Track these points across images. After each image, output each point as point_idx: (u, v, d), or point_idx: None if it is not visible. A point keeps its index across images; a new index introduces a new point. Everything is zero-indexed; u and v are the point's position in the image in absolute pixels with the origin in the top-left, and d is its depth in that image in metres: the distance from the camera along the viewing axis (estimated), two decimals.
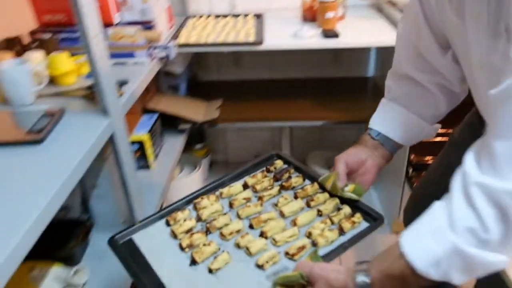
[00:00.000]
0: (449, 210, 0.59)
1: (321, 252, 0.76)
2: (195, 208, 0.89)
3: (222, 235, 0.81)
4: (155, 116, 1.61)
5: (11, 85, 1.01)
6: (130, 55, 1.27)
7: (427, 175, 1.15)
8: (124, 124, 1.05)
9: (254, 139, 2.32)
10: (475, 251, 0.56)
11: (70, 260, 1.07)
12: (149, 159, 1.50)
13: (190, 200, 0.92)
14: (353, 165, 0.90)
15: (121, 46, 1.28)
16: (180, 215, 0.86)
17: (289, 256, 0.76)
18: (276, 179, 0.95)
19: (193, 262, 0.76)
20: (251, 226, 0.83)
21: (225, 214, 0.86)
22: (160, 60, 1.36)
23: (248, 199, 0.89)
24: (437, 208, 0.61)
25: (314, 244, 0.78)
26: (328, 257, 0.75)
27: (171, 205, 0.90)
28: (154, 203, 1.36)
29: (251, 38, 1.44)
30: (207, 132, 2.27)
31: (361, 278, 0.64)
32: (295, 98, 1.82)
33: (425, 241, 0.59)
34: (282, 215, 0.85)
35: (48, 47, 1.20)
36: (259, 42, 1.41)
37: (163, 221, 0.87)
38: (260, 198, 0.89)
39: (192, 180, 1.96)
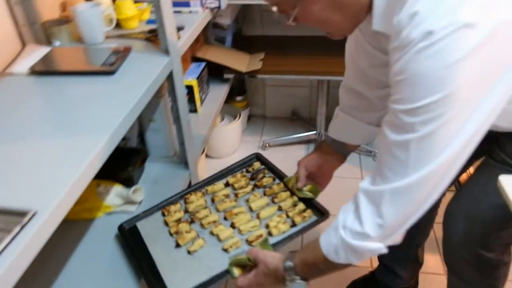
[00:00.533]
0: (344, 211, 0.78)
1: (274, 240, 0.95)
2: (185, 202, 1.09)
3: (201, 225, 1.02)
4: (203, 64, 1.74)
5: (86, 25, 1.15)
6: (186, 4, 1.39)
7: None
8: (180, 63, 1.18)
9: (291, 96, 2.42)
10: (357, 243, 0.73)
11: (129, 182, 1.23)
12: (196, 103, 1.64)
13: (182, 195, 1.12)
14: (312, 169, 1.08)
15: None
16: (172, 207, 1.07)
17: (249, 242, 0.96)
18: (252, 178, 1.13)
19: (177, 245, 0.98)
20: (225, 218, 1.03)
21: (206, 207, 1.06)
22: (211, 10, 1.47)
23: (227, 196, 1.09)
24: (341, 210, 0.79)
25: (270, 234, 0.97)
26: (278, 245, 0.94)
27: (167, 199, 1.11)
28: (198, 145, 1.50)
29: None
30: (247, 85, 2.39)
31: (288, 263, 0.83)
32: (337, 55, 1.89)
33: (330, 235, 0.78)
34: (250, 209, 1.04)
35: None
36: None
37: (159, 212, 1.08)
38: (236, 195, 1.08)
39: (232, 129, 2.10)
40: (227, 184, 1.14)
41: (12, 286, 0.55)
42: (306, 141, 2.27)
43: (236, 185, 1.12)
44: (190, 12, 1.40)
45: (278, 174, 1.14)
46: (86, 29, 1.16)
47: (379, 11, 0.67)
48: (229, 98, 2.25)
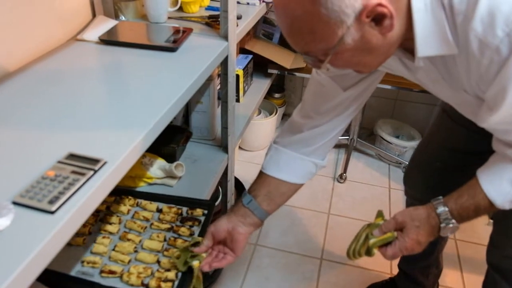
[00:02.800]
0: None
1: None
2: (116, 201, 1.09)
3: (101, 227, 1.01)
4: (250, 57, 1.79)
5: (152, 3, 1.22)
6: None
7: (424, 139, 1.25)
8: (235, 49, 1.23)
9: None
10: None
11: (172, 157, 1.29)
12: (240, 92, 1.70)
13: (121, 193, 1.11)
14: (220, 235, 0.98)
15: None
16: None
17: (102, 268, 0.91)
18: (181, 220, 1.05)
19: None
20: (120, 237, 1.00)
21: (118, 216, 1.04)
22: (267, 4, 1.52)
23: (146, 219, 1.04)
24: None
25: (121, 277, 0.91)
26: None
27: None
28: (237, 132, 1.55)
29: None
30: (286, 84, 2.43)
31: (441, 209, 0.81)
32: None
33: (504, 186, 0.77)
34: (141, 244, 0.98)
35: None
36: None
37: None
38: (152, 224, 1.03)
39: (267, 123, 2.15)
40: (158, 209, 1.08)
41: (82, 222, 0.61)
42: (338, 146, 2.29)
43: (162, 216, 1.06)
44: (248, 3, 1.46)
45: (201, 233, 1.01)
46: (152, 7, 1.22)
47: (423, 36, 0.67)
48: (268, 94, 2.30)
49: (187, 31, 1.16)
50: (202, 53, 1.09)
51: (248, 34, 1.82)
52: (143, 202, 1.10)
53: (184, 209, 1.09)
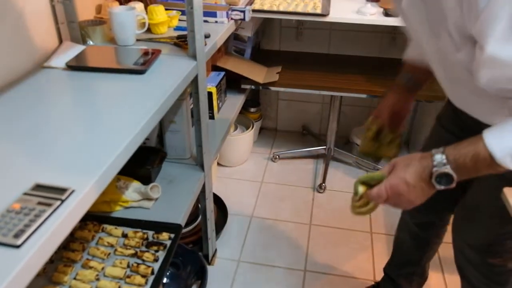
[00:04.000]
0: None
1: None
2: (80, 227, 1.09)
3: (62, 254, 1.02)
4: (222, 73, 1.80)
5: (120, 26, 1.22)
6: (213, 14, 1.46)
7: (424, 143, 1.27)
8: (205, 68, 1.24)
9: (303, 111, 2.48)
10: None
11: (147, 179, 1.28)
12: (214, 109, 1.70)
13: (86, 218, 1.10)
14: (392, 108, 1.11)
15: (207, 6, 1.46)
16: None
17: None
18: (147, 245, 1.05)
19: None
20: (83, 265, 1.00)
21: (81, 243, 1.04)
22: (236, 22, 1.54)
23: (110, 245, 1.04)
24: None
25: None
26: None
27: None
28: (213, 150, 1.55)
29: (318, 10, 1.59)
30: (261, 98, 2.45)
31: (438, 154, 0.73)
32: (349, 73, 1.96)
33: (506, 137, 0.69)
34: (103, 271, 0.98)
35: (146, 1, 1.40)
36: (325, 14, 1.56)
37: None
38: (115, 250, 1.03)
39: (244, 138, 2.16)
40: (123, 234, 1.08)
41: (50, 254, 0.60)
42: (316, 156, 2.31)
43: (127, 241, 1.06)
44: (216, 22, 1.47)
45: (168, 258, 1.02)
46: (119, 30, 1.22)
47: None
48: (243, 109, 2.31)
49: (155, 53, 1.16)
50: (171, 73, 1.09)
51: (219, 51, 1.84)
52: (108, 227, 1.09)
53: (150, 233, 1.08)
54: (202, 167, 1.37)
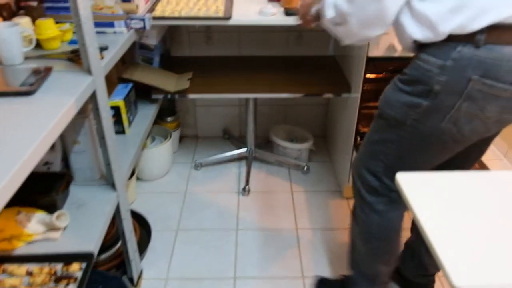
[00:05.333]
0: None
1: None
2: None
3: None
4: (130, 85, 1.72)
5: (3, 44, 1.10)
6: (110, 24, 1.38)
7: None
8: (104, 83, 1.17)
9: (222, 115, 2.46)
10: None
11: (53, 208, 1.18)
12: (124, 124, 1.62)
13: None
14: None
15: (102, 16, 1.38)
16: None
17: None
18: (55, 279, 1.00)
19: None
20: None
21: None
22: (137, 31, 1.48)
23: (14, 287, 0.97)
24: None
25: None
26: None
27: None
28: (126, 166, 1.48)
29: (220, 14, 1.57)
30: (178, 106, 2.39)
31: None
32: (261, 74, 1.97)
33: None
34: None
35: (34, 14, 1.29)
36: (227, 17, 1.54)
37: None
38: None
39: (162, 150, 2.09)
40: (28, 272, 1.01)
41: None
42: (238, 159, 2.30)
43: (32, 279, 0.98)
44: (115, 32, 1.40)
45: None
46: (3, 49, 1.11)
47: None
48: (160, 119, 2.24)
49: (46, 71, 1.07)
50: (64, 92, 1.01)
51: (125, 63, 1.75)
52: (10, 267, 0.99)
53: (59, 266, 0.99)
54: (113, 186, 1.29)
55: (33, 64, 1.14)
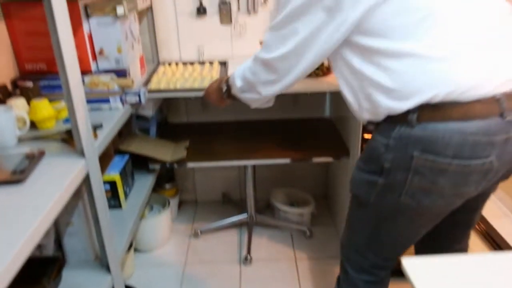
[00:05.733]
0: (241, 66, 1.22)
1: None
2: None
3: None
4: (126, 157, 1.70)
5: None
6: (105, 100, 1.38)
7: None
8: (97, 164, 1.14)
9: (221, 178, 2.43)
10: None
11: None
12: (120, 198, 1.58)
13: None
14: None
15: (97, 93, 1.38)
16: None
17: None
18: None
19: None
20: None
21: None
22: (132, 105, 1.48)
23: None
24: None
25: None
26: None
27: None
28: (123, 242, 1.43)
29: None
30: (176, 172, 2.37)
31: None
32: (258, 139, 1.96)
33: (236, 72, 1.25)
34: None
35: (30, 94, 1.29)
36: None
37: None
38: None
39: (160, 220, 2.03)
40: None
41: None
42: (239, 225, 2.24)
43: None
44: (110, 108, 1.40)
45: None
46: None
47: None
48: (158, 186, 2.20)
49: (38, 155, 1.05)
50: (56, 177, 0.98)
51: (121, 135, 1.75)
52: None
53: None
54: (108, 269, 1.23)
55: (26, 148, 1.12)
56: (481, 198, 1.12)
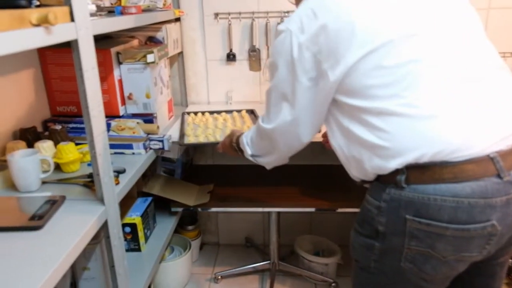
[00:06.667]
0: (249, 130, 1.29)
1: None
2: None
3: None
4: (149, 199, 1.71)
5: (20, 173, 1.12)
6: (129, 146, 1.40)
7: None
8: (117, 211, 1.14)
9: (244, 222, 2.39)
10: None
11: None
12: (140, 241, 1.57)
13: None
14: None
15: (122, 138, 1.41)
16: None
17: None
18: None
19: None
20: None
21: None
22: (156, 150, 1.49)
23: None
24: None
25: None
26: None
27: None
28: (141, 285, 1.41)
29: None
30: (198, 213, 2.35)
31: (238, 136, 1.34)
32: (285, 183, 1.93)
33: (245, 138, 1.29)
34: None
35: (57, 137, 1.33)
36: None
37: None
38: None
39: (180, 263, 2.00)
40: None
41: None
42: (261, 271, 2.18)
43: None
44: (133, 153, 1.41)
45: None
46: (20, 177, 1.12)
47: None
48: (180, 227, 2.19)
49: (58, 201, 1.06)
50: (75, 224, 0.99)
51: (145, 176, 1.76)
52: None
53: None
54: None
55: (48, 192, 1.14)
56: (495, 262, 1.01)
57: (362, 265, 1.00)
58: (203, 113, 1.89)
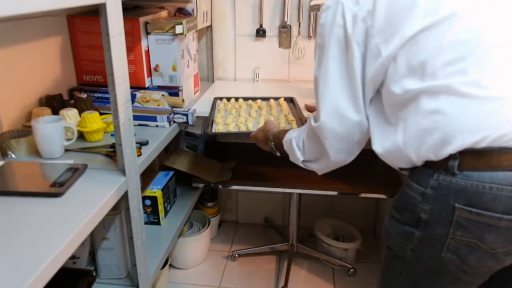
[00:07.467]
0: (298, 131, 1.15)
1: None
2: None
3: None
4: (171, 174, 1.70)
5: (44, 139, 1.12)
6: (153, 118, 1.38)
7: None
8: (138, 182, 1.13)
9: (264, 202, 2.37)
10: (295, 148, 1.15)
11: None
12: (160, 215, 1.57)
13: None
14: None
15: (146, 110, 1.39)
16: None
17: None
18: None
19: None
20: None
21: None
22: (179, 124, 1.47)
23: None
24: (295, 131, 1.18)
25: None
26: None
27: None
28: (158, 259, 1.41)
29: (294, 125, 1.47)
30: (219, 191, 2.34)
31: (273, 130, 1.30)
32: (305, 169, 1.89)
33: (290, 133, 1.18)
34: None
35: (82, 106, 1.32)
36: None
37: None
38: None
39: (198, 239, 2.00)
40: None
41: None
42: (278, 252, 2.16)
43: None
44: (157, 126, 1.39)
45: None
46: (44, 143, 1.12)
47: None
48: (200, 204, 2.18)
49: (80, 169, 1.05)
50: (95, 193, 0.98)
51: (168, 150, 1.75)
52: None
53: None
54: None
55: (71, 160, 1.13)
56: None
57: (397, 253, 0.95)
58: (236, 99, 1.73)
